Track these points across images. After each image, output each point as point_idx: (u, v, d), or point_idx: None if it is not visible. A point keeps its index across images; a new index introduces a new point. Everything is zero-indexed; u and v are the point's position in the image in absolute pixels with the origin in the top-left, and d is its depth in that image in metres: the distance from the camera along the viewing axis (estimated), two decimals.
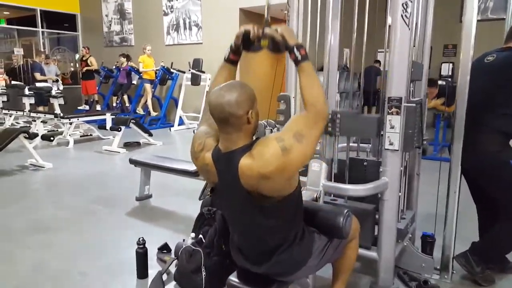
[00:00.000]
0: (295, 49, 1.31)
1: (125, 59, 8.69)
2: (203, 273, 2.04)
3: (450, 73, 7.83)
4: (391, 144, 1.88)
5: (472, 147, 2.03)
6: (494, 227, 2.12)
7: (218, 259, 2.04)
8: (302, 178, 1.97)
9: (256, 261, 1.44)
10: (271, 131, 2.49)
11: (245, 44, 1.41)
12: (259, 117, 1.33)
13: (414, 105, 1.86)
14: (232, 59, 1.49)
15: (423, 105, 2.22)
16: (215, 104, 1.25)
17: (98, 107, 9.36)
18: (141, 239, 2.20)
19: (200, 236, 2.16)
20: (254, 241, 1.43)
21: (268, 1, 1.53)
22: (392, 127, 1.86)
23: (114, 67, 9.20)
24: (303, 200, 1.69)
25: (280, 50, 1.36)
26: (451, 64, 8.07)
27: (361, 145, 2.45)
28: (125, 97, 9.19)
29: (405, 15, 1.79)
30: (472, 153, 2.04)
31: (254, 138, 1.34)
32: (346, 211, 1.51)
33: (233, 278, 1.49)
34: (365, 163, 2.30)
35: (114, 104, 9.14)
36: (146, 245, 2.26)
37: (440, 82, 5.66)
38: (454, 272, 2.16)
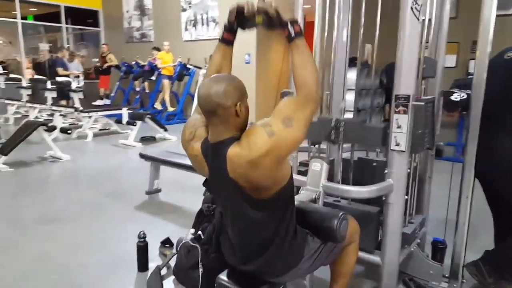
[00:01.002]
0: (289, 25, 1.24)
1: (157, 51, 8.77)
2: (200, 270, 2.01)
3: None
4: (397, 144, 1.79)
5: (488, 149, 1.91)
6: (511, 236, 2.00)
7: (216, 256, 2.01)
8: (302, 178, 1.93)
9: (244, 258, 1.40)
10: None
11: (239, 21, 1.35)
12: (249, 113, 1.28)
13: (423, 103, 1.76)
14: (226, 38, 1.44)
15: (436, 103, 2.11)
16: (202, 94, 1.22)
17: (99, 102, 9.52)
18: (141, 233, 2.20)
19: (199, 232, 2.14)
20: (244, 235, 1.38)
21: None
22: (399, 127, 1.78)
23: (133, 62, 9.32)
24: (300, 200, 1.64)
25: (275, 26, 1.30)
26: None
27: None
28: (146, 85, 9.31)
29: (415, 8, 1.70)
30: (488, 155, 1.91)
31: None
32: (341, 213, 1.44)
33: (223, 277, 1.45)
34: (374, 164, 2.22)
35: (138, 89, 9.23)
36: (151, 238, 2.26)
37: (456, 96, 5.40)
38: (465, 281, 2.05)
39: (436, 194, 2.35)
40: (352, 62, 2.44)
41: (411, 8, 1.69)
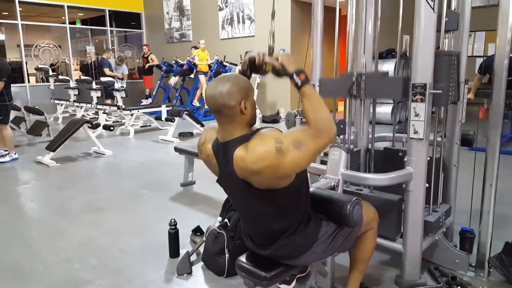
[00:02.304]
0: (294, 76, 1.31)
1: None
2: (226, 255, 2.13)
3: None
4: (415, 132, 1.80)
5: None
6: None
7: (241, 242, 2.11)
8: (322, 167, 1.98)
9: (262, 244, 1.49)
10: (301, 121, 2.48)
11: (252, 69, 1.45)
12: (255, 109, 1.36)
13: (445, 55, 1.77)
14: None
15: (461, 57, 2.03)
16: (208, 96, 1.31)
17: (145, 101, 9.86)
18: (172, 220, 2.34)
19: (226, 220, 2.26)
20: (257, 227, 1.49)
21: (273, 29, 1.56)
22: (416, 115, 1.78)
23: (173, 62, 9.64)
24: (316, 187, 1.70)
25: (282, 75, 1.39)
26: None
27: (397, 134, 2.36)
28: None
29: None
30: None
31: (253, 129, 1.36)
32: (354, 199, 1.48)
33: (242, 259, 1.54)
34: (400, 154, 2.22)
35: (173, 83, 9.52)
36: (183, 227, 2.38)
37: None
38: (491, 270, 2.01)
39: (468, 185, 2.30)
40: (387, 54, 2.44)
41: None
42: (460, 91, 2.07)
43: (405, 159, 1.86)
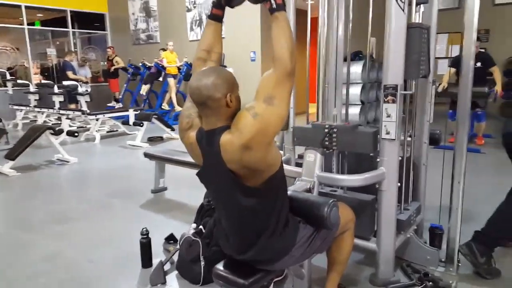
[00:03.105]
0: None
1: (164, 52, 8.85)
2: (202, 263, 2.08)
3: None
4: (387, 133, 1.83)
5: None
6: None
7: (217, 249, 2.07)
8: (298, 169, 1.98)
9: (240, 248, 1.45)
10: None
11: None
12: (240, 103, 1.32)
13: (417, 27, 1.80)
14: (215, 13, 1.46)
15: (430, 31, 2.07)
16: (193, 87, 1.27)
17: (113, 103, 9.63)
18: (144, 229, 2.27)
19: (201, 226, 2.21)
20: (236, 224, 1.43)
21: None
22: (388, 116, 1.81)
23: (140, 64, 9.43)
24: (293, 190, 1.69)
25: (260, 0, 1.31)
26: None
27: None
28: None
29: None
30: None
31: None
32: (331, 201, 1.48)
33: (220, 267, 1.51)
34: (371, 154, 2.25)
35: (144, 93, 9.31)
36: (156, 235, 2.31)
37: None
38: (460, 264, 2.08)
39: (437, 182, 2.37)
40: (355, 57, 2.48)
41: (396, 0, 1.72)
42: (428, 90, 2.14)
43: (378, 159, 1.89)
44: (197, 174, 1.45)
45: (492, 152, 4.90)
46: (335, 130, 1.94)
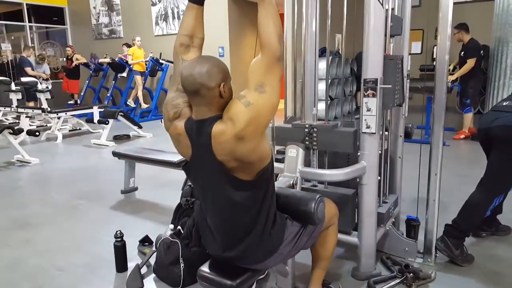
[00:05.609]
0: None
1: (128, 48, 8.52)
2: (182, 265, 2.01)
3: None
4: (368, 127, 1.83)
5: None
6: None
7: (197, 249, 2.01)
8: (279, 165, 1.94)
9: (225, 244, 1.40)
10: None
11: None
12: (232, 94, 1.28)
13: (392, 59, 1.83)
14: None
15: (404, 62, 2.10)
16: (186, 75, 1.21)
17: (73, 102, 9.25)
18: (118, 232, 2.16)
19: (179, 227, 2.13)
20: (225, 219, 1.37)
21: None
22: (368, 110, 1.81)
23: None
24: (278, 187, 1.65)
25: None
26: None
27: None
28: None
29: None
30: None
31: None
32: (317, 196, 1.46)
33: (205, 268, 1.44)
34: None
35: (108, 95, 8.99)
36: (129, 238, 2.21)
37: None
38: (438, 255, 2.13)
39: (410, 175, 2.42)
40: (322, 53, 2.47)
41: None
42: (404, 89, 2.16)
43: (358, 153, 1.89)
44: (184, 168, 1.39)
45: (456, 144, 5.10)
46: (315, 129, 1.93)
